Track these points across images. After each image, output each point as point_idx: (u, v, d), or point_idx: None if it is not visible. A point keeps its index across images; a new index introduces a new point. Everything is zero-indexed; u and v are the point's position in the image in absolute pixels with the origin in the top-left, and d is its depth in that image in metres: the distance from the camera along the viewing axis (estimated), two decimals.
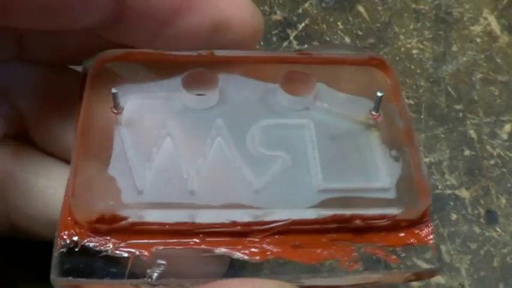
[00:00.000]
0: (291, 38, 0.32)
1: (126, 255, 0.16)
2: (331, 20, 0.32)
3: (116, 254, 0.16)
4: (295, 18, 0.32)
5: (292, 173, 0.18)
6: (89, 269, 0.16)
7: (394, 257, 0.17)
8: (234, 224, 0.17)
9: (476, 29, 0.33)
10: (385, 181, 0.18)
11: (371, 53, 0.22)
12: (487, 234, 0.26)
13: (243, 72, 0.20)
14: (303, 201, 0.17)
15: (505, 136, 0.29)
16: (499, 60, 0.31)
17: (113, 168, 0.17)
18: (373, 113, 0.19)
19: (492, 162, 0.28)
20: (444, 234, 0.26)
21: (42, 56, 0.21)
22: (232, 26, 0.19)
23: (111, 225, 0.17)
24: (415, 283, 0.24)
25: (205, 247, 0.17)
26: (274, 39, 0.32)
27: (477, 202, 0.27)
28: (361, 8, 0.33)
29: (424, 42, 0.32)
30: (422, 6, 0.33)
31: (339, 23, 0.32)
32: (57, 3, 0.17)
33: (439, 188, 0.27)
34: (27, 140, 0.21)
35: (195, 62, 0.19)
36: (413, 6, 0.33)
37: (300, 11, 0.33)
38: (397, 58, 0.31)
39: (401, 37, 0.32)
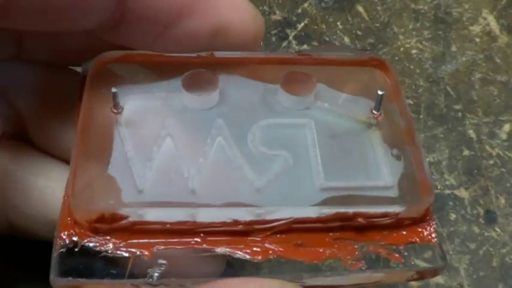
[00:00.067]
0: (290, 38, 0.32)
1: (126, 255, 0.16)
2: (331, 20, 0.32)
3: (116, 254, 0.16)
4: (294, 18, 0.32)
5: (294, 172, 0.18)
6: (89, 269, 0.16)
7: (397, 255, 0.17)
8: (236, 223, 0.16)
9: (476, 29, 0.33)
10: (387, 179, 0.18)
11: (371, 53, 0.22)
12: (486, 234, 0.26)
13: (243, 73, 0.20)
14: (305, 200, 0.17)
15: (504, 136, 0.29)
16: (498, 60, 0.31)
17: (113, 167, 0.17)
18: (374, 112, 0.19)
19: (491, 162, 0.28)
20: (443, 234, 0.26)
21: (41, 57, 0.21)
22: (232, 30, 0.19)
23: (111, 224, 0.16)
24: (414, 283, 0.24)
25: (207, 246, 0.17)
26: (274, 39, 0.32)
27: (476, 202, 0.27)
28: (360, 8, 0.33)
29: (423, 42, 0.32)
30: (421, 6, 0.33)
31: (338, 23, 0.32)
32: (57, 6, 0.17)
33: (438, 188, 0.27)
34: (26, 139, 0.21)
35: (195, 64, 0.19)
36: (413, 6, 0.33)
37: (299, 11, 0.33)
38: (397, 58, 0.31)
39: (401, 37, 0.32)
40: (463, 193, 0.27)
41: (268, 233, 0.17)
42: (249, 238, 0.17)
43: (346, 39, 0.32)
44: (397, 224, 0.17)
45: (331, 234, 0.17)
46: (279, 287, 0.16)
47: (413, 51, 0.31)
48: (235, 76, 0.20)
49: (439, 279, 0.24)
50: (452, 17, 0.33)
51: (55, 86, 0.21)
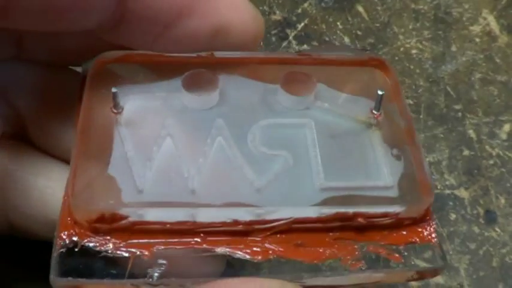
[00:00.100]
0: (290, 38, 0.32)
1: (126, 255, 0.16)
2: (331, 20, 0.32)
3: (116, 254, 0.16)
4: (294, 18, 0.32)
5: (294, 172, 0.18)
6: (89, 269, 0.16)
7: (397, 255, 0.17)
8: (236, 223, 0.16)
9: (476, 29, 0.33)
10: (387, 179, 0.18)
11: (371, 53, 0.22)
12: (486, 234, 0.26)
13: (243, 73, 0.20)
14: (305, 200, 0.17)
15: (504, 136, 0.29)
16: (498, 60, 0.31)
17: (113, 167, 0.17)
18: (374, 112, 0.19)
19: (491, 162, 0.28)
20: (443, 234, 0.26)
21: (41, 57, 0.21)
22: (233, 30, 0.19)
23: (111, 224, 0.16)
24: (414, 283, 0.24)
25: (207, 246, 0.17)
26: (274, 39, 0.31)
27: (476, 202, 0.27)
28: (360, 8, 0.33)
29: (423, 42, 0.32)
30: (421, 6, 0.33)
31: (338, 23, 0.32)
32: (57, 6, 0.17)
33: (438, 188, 0.27)
34: (26, 139, 0.21)
35: (195, 64, 0.19)
36: (413, 6, 0.33)
37: (299, 11, 0.33)
38: (396, 58, 0.31)
39: (401, 37, 0.32)
40: (463, 193, 0.27)
41: (268, 233, 0.17)
42: (249, 238, 0.17)
43: (346, 39, 0.32)
44: (397, 224, 0.17)
45: (331, 234, 0.17)
46: (279, 287, 0.16)
47: (413, 51, 0.31)
48: (235, 76, 0.20)
49: (439, 279, 0.24)
50: (452, 17, 0.33)
51: (55, 86, 0.21)
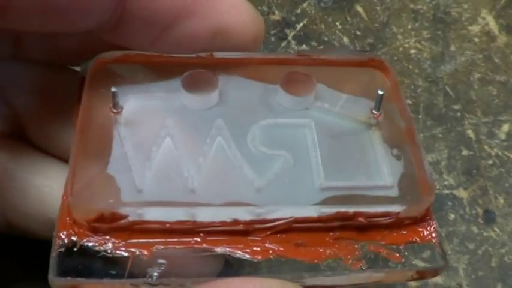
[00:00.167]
0: (290, 38, 0.32)
1: (125, 254, 0.16)
2: (330, 20, 0.32)
3: (116, 253, 0.16)
4: (293, 18, 0.32)
5: (294, 172, 0.18)
6: (88, 269, 0.16)
7: (397, 255, 0.17)
8: (236, 222, 0.16)
9: (475, 29, 0.33)
10: (387, 179, 0.18)
11: (370, 54, 0.22)
12: (485, 234, 0.26)
13: (243, 74, 0.20)
14: (305, 200, 0.17)
15: (503, 136, 0.29)
16: (497, 60, 0.31)
17: (112, 167, 0.17)
18: (374, 112, 0.19)
19: (490, 162, 0.28)
20: (442, 234, 0.26)
21: (39, 56, 0.21)
22: (232, 32, 0.19)
23: (110, 224, 0.16)
24: (413, 283, 0.24)
25: (206, 246, 0.16)
26: (273, 39, 0.31)
27: (475, 202, 0.27)
28: (359, 8, 0.33)
29: (422, 42, 0.32)
30: (420, 6, 0.33)
31: (337, 23, 0.32)
32: (56, 8, 0.17)
33: (437, 188, 0.27)
34: (24, 138, 0.21)
35: (194, 64, 0.19)
36: (412, 6, 0.33)
37: (299, 11, 0.33)
38: (395, 58, 0.31)
39: (400, 37, 0.32)
40: (462, 193, 0.27)
41: (268, 233, 0.17)
42: (249, 238, 0.17)
43: (345, 39, 0.32)
44: (398, 223, 0.17)
45: (331, 233, 0.17)
46: (279, 286, 0.16)
47: (412, 51, 0.31)
48: (235, 76, 0.20)
49: (438, 279, 0.24)
50: (451, 17, 0.33)
51: (54, 85, 0.21)
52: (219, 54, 0.19)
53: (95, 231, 0.16)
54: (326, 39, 0.32)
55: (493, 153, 0.28)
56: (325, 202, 0.17)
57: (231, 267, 0.17)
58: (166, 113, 0.19)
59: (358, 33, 0.32)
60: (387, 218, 0.17)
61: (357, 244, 0.17)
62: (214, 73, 0.19)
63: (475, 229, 0.26)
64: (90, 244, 0.16)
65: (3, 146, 0.20)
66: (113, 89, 0.18)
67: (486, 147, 0.28)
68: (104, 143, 0.18)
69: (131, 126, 0.18)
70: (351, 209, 0.17)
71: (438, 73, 0.31)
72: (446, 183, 0.27)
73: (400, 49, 0.31)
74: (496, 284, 0.25)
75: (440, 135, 0.29)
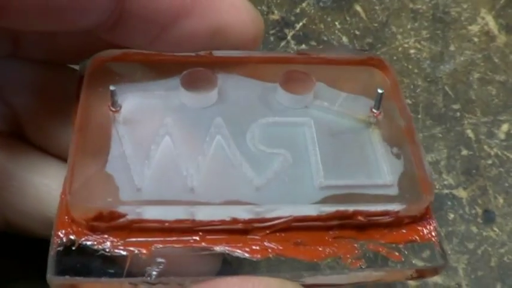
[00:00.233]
0: (289, 37, 0.32)
1: (124, 253, 0.16)
2: (329, 19, 0.32)
3: (114, 252, 0.16)
4: (292, 18, 0.32)
5: (293, 170, 0.17)
6: (87, 268, 0.16)
7: (396, 254, 0.17)
8: (235, 221, 0.16)
9: (474, 28, 0.33)
10: (386, 178, 0.18)
11: (369, 53, 0.22)
12: (484, 234, 0.26)
13: (242, 72, 0.20)
14: (305, 198, 0.17)
15: (502, 136, 0.29)
16: (496, 60, 0.31)
17: (111, 165, 0.17)
18: (373, 110, 0.19)
19: (489, 161, 0.28)
20: (441, 234, 0.26)
21: (37, 55, 0.21)
22: (231, 32, 0.19)
23: (109, 223, 0.16)
24: (412, 282, 0.24)
25: (205, 245, 0.16)
26: (272, 39, 0.31)
27: (474, 202, 0.27)
28: (358, 8, 0.33)
29: (422, 42, 0.32)
30: (419, 6, 0.33)
31: (337, 23, 0.32)
32: (55, 7, 0.17)
33: (437, 187, 0.27)
34: (22, 137, 0.21)
35: (193, 63, 0.19)
36: (411, 5, 0.33)
37: (298, 10, 0.33)
38: (395, 58, 0.31)
39: (399, 37, 0.32)
40: (461, 193, 0.27)
41: (268, 232, 0.17)
42: (248, 236, 0.17)
43: (345, 39, 0.32)
44: (397, 222, 0.17)
45: (330, 232, 0.17)
46: (278, 285, 0.16)
47: (412, 51, 0.31)
48: (234, 75, 0.20)
49: (437, 279, 0.24)
50: (450, 17, 0.33)
51: (52, 83, 0.21)
52: (218, 53, 0.19)
53: (94, 230, 0.16)
54: (325, 39, 0.32)
55: (492, 153, 0.28)
56: (324, 201, 0.17)
57: (230, 266, 0.17)
58: (165, 112, 0.18)
59: (358, 33, 0.32)
60: (387, 216, 0.17)
61: (356, 243, 0.17)
62: (214, 71, 0.19)
63: (474, 229, 0.26)
64: (88, 243, 0.16)
65: (2, 145, 0.20)
66: (112, 88, 0.18)
67: (485, 147, 0.28)
68: (102, 142, 0.18)
69: (130, 125, 0.18)
70: (351, 208, 0.17)
71: (437, 73, 0.31)
72: (445, 183, 0.27)
73: (400, 49, 0.31)
74: (496, 284, 0.25)
75: (440, 135, 0.29)
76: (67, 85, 0.19)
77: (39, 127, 0.20)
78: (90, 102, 0.18)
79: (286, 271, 0.16)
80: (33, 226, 0.20)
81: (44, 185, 0.19)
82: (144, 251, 0.16)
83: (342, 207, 0.17)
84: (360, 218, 0.17)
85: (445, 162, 0.28)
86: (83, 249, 0.16)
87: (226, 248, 0.16)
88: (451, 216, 0.26)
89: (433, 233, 0.17)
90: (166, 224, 0.16)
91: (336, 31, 0.32)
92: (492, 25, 0.33)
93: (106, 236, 0.16)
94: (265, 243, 0.17)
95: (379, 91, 0.19)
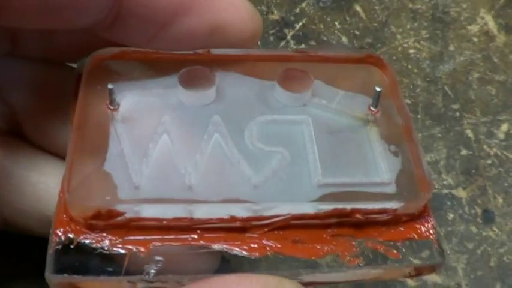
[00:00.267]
0: (288, 37, 0.32)
1: (122, 251, 0.16)
2: (328, 19, 0.32)
3: (113, 250, 0.16)
4: (292, 18, 0.32)
5: (291, 168, 0.17)
6: (85, 266, 0.16)
7: (394, 251, 0.17)
8: (233, 219, 0.16)
9: (473, 28, 0.33)
10: (384, 176, 0.18)
11: (368, 51, 0.22)
12: (484, 233, 0.26)
13: (240, 70, 0.20)
14: (303, 196, 0.17)
15: (501, 136, 0.29)
16: (496, 60, 0.31)
17: (109, 164, 0.17)
18: (371, 108, 0.19)
19: (489, 161, 0.28)
20: (441, 234, 0.26)
21: (35, 53, 0.21)
22: (230, 30, 0.19)
23: (107, 221, 0.16)
24: (411, 282, 0.24)
25: (203, 243, 0.16)
26: (272, 39, 0.31)
27: (474, 202, 0.27)
28: (358, 8, 0.33)
29: (421, 42, 0.32)
30: (419, 6, 0.33)
31: (336, 23, 0.32)
32: (54, 5, 0.17)
33: (436, 187, 0.27)
34: (21, 135, 0.21)
35: (191, 61, 0.19)
36: (410, 5, 0.33)
37: (297, 10, 0.33)
38: (394, 58, 0.31)
39: (399, 37, 0.32)
40: (460, 193, 0.27)
41: (266, 230, 0.17)
42: (246, 234, 0.17)
43: (344, 39, 0.32)
44: (395, 220, 0.17)
45: (329, 230, 0.17)
46: (276, 283, 0.16)
47: (411, 51, 0.31)
48: (232, 73, 0.20)
49: (436, 278, 0.24)
50: (450, 17, 0.33)
51: (50, 82, 0.21)
52: (216, 51, 0.19)
53: (92, 228, 0.16)
54: (325, 39, 0.32)
55: (492, 153, 0.28)
56: (322, 199, 0.17)
57: (228, 264, 0.17)
58: (163, 110, 0.18)
59: (357, 33, 0.32)
60: (385, 214, 0.17)
61: (354, 241, 0.17)
62: (212, 70, 0.19)
63: (474, 229, 0.26)
64: (87, 241, 0.16)
65: (0, 143, 0.20)
66: (110, 86, 0.18)
67: (485, 146, 0.28)
68: (100, 140, 0.18)
69: (128, 123, 0.18)
70: (349, 206, 0.17)
71: (437, 73, 0.31)
72: (445, 182, 0.27)
73: (399, 49, 0.31)
74: (495, 284, 0.24)
75: (439, 135, 0.29)
76: (65, 83, 0.19)
77: (38, 125, 0.20)
78: (88, 100, 0.18)
79: (284, 269, 0.16)
80: (31, 224, 0.20)
81: (42, 183, 0.19)
82: (143, 249, 0.16)
83: (340, 205, 0.17)
84: (357, 216, 0.17)
85: (445, 162, 0.28)
86: (81, 248, 0.16)
87: (225, 246, 0.16)
88: (451, 216, 0.26)
89: (431, 231, 0.17)
90: (165, 222, 0.16)
91: (336, 31, 0.32)
92: (492, 25, 0.33)
93: (104, 234, 0.16)
94: (264, 241, 0.17)
95: (377, 89, 0.19)
